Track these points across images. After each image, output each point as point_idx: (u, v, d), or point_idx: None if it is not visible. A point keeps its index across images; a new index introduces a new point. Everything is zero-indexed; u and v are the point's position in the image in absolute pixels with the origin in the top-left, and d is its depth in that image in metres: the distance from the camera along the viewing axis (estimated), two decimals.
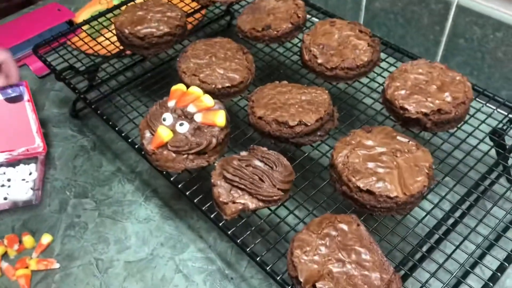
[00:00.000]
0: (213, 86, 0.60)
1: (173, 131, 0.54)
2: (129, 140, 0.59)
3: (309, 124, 0.54)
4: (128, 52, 0.73)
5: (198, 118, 0.54)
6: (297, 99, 0.57)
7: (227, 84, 0.60)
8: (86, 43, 0.74)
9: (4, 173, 0.66)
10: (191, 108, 0.55)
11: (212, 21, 0.82)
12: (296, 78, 0.66)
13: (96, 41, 0.73)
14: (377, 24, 0.85)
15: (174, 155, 0.53)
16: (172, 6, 0.71)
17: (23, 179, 0.66)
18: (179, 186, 0.53)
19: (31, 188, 0.66)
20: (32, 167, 0.68)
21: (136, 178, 0.71)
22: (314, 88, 0.59)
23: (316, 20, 0.75)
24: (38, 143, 0.68)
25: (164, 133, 0.53)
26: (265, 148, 0.52)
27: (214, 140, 0.53)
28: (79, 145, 0.76)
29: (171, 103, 0.56)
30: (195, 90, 0.56)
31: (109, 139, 0.76)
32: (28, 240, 0.63)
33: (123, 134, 0.60)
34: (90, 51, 0.79)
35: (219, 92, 0.60)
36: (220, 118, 0.54)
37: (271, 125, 0.55)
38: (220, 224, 0.50)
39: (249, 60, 0.64)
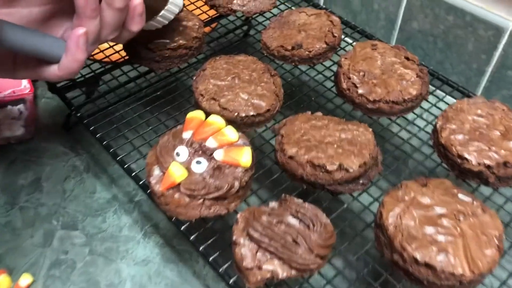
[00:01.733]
0: (236, 114, 0.51)
1: (188, 169, 0.44)
2: (133, 174, 0.50)
3: (351, 170, 0.45)
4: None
5: (219, 155, 0.45)
6: (336, 136, 0.48)
7: (252, 113, 0.51)
8: None
9: None
10: (210, 143, 0.45)
11: (229, 31, 0.72)
12: (329, 108, 0.57)
13: (99, 48, 0.63)
14: (412, 46, 0.76)
15: (187, 199, 0.43)
16: (188, 13, 0.61)
17: (13, 118, 0.65)
18: (191, 238, 0.44)
19: (22, 126, 0.65)
20: (21, 107, 0.66)
21: (134, 209, 0.61)
22: (355, 124, 0.50)
23: (350, 40, 0.66)
24: (24, 85, 0.65)
25: (177, 172, 0.44)
26: (300, 200, 0.42)
27: (236, 184, 0.44)
28: (71, 164, 0.66)
29: (186, 134, 0.46)
30: (216, 120, 0.47)
31: (105, 160, 0.66)
32: (3, 280, 0.53)
33: (125, 167, 0.50)
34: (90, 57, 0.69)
35: (242, 121, 0.51)
36: (245, 157, 0.45)
37: (304, 167, 0.46)
38: None
39: (277, 84, 0.55)
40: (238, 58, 0.56)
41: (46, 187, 0.64)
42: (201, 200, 0.44)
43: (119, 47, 0.62)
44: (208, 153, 0.45)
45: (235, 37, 0.74)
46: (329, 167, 0.45)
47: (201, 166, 0.44)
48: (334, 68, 0.60)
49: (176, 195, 0.44)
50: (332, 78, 0.59)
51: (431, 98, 0.57)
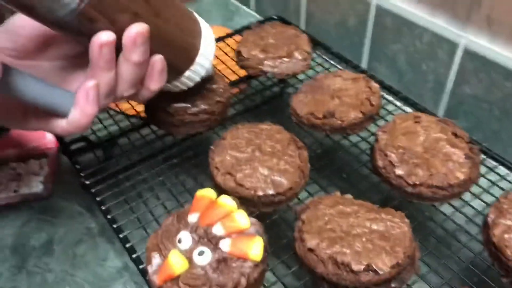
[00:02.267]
0: (253, 192, 0.45)
1: (190, 259, 0.39)
2: (134, 256, 0.45)
3: (381, 272, 0.38)
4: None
5: (226, 245, 0.39)
6: (366, 227, 0.41)
7: (271, 192, 0.45)
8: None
9: (14, 169, 0.65)
10: (217, 230, 0.40)
11: (257, 91, 0.67)
12: (362, 188, 0.50)
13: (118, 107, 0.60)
14: (463, 113, 0.68)
15: None
16: (214, 75, 0.57)
17: (34, 173, 0.64)
18: None
19: (41, 182, 0.63)
20: (44, 162, 0.65)
21: (145, 283, 0.56)
22: (390, 212, 0.43)
23: (392, 107, 0.59)
24: (49, 139, 0.64)
25: (176, 263, 0.38)
26: None
27: (243, 281, 0.38)
28: (85, 227, 0.62)
29: (192, 217, 0.41)
30: (226, 202, 0.41)
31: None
32: None
33: (127, 246, 0.45)
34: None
35: (259, 199, 0.45)
36: (255, 249, 0.39)
37: (326, 264, 0.40)
38: None
39: (303, 158, 0.49)
40: (262, 126, 0.51)
41: (57, 251, 0.60)
42: None
43: (141, 107, 0.59)
44: (214, 242, 0.39)
45: (265, 100, 0.69)
46: (355, 267, 0.38)
47: (204, 258, 0.38)
48: (372, 139, 0.53)
49: None
50: (368, 151, 0.52)
51: (482, 182, 0.49)
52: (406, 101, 0.60)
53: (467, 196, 0.48)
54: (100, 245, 0.60)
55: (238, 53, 0.62)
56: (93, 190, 0.51)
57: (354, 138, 0.55)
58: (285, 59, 0.60)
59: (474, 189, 0.48)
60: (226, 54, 0.69)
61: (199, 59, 0.47)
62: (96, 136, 0.59)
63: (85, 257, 0.59)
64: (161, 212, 0.50)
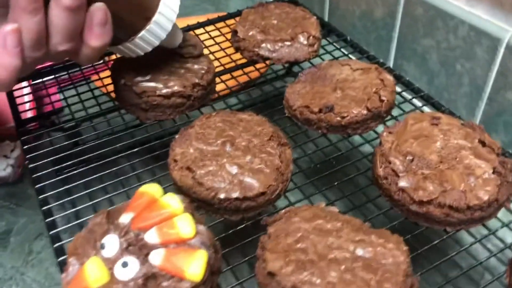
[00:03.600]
0: (213, 194, 0.36)
1: (111, 271, 0.30)
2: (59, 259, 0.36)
3: None
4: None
5: (157, 258, 0.30)
6: (348, 252, 0.31)
7: (236, 195, 0.36)
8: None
9: None
10: (151, 236, 0.31)
11: (262, 82, 0.59)
12: (358, 201, 0.40)
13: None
14: (503, 124, 0.57)
15: None
16: (201, 56, 0.48)
17: (5, 155, 0.60)
18: None
19: (11, 165, 0.59)
20: (18, 144, 0.60)
21: None
22: (383, 235, 0.33)
23: (411, 107, 0.49)
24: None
25: (92, 274, 0.29)
26: None
27: None
28: None
29: (125, 218, 0.32)
30: (169, 202, 0.32)
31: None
32: None
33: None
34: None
35: (221, 205, 0.36)
36: (195, 266, 0.29)
37: None
38: None
39: (285, 157, 0.39)
40: (240, 116, 0.42)
41: (12, 244, 0.53)
42: None
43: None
44: (144, 252, 0.31)
45: (275, 90, 0.60)
46: None
47: (127, 271, 0.30)
48: (377, 143, 0.43)
49: None
50: (371, 158, 0.42)
51: None
52: (429, 102, 0.49)
53: (493, 223, 0.37)
54: None
55: (234, 32, 0.53)
56: (37, 186, 0.43)
57: (357, 140, 0.45)
58: (287, 42, 0.51)
59: (503, 216, 0.37)
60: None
61: (157, 17, 0.40)
62: (58, 118, 0.51)
63: (41, 254, 0.52)
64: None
